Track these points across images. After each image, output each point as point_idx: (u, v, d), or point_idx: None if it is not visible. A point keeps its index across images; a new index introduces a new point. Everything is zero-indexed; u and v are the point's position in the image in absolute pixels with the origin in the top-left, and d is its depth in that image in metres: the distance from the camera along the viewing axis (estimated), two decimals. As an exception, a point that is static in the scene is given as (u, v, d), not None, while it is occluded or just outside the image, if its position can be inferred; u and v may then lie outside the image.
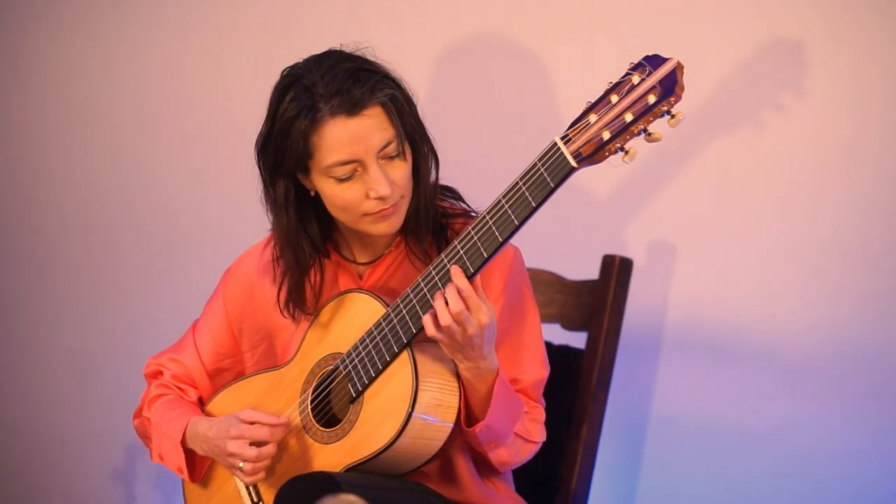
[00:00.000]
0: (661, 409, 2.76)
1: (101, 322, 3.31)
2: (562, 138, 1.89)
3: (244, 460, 2.09)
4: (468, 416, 2.10)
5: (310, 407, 2.15)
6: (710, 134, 2.65)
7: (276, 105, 2.08)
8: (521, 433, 2.15)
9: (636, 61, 1.86)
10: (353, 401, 2.10)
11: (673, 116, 1.85)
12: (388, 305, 2.09)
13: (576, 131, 1.88)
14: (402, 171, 2.08)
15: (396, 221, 2.11)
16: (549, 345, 2.30)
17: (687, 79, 1.85)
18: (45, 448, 3.41)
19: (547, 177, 1.90)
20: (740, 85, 2.60)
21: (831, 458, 2.62)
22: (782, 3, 2.60)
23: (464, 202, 2.22)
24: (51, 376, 3.37)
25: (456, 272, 1.97)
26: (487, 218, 1.96)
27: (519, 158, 2.00)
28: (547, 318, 2.52)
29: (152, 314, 3.24)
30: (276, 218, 2.16)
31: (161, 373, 2.33)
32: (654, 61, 1.85)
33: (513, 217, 1.94)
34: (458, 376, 2.06)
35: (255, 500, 2.21)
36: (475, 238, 1.97)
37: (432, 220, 2.16)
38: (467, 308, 1.96)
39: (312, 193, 2.14)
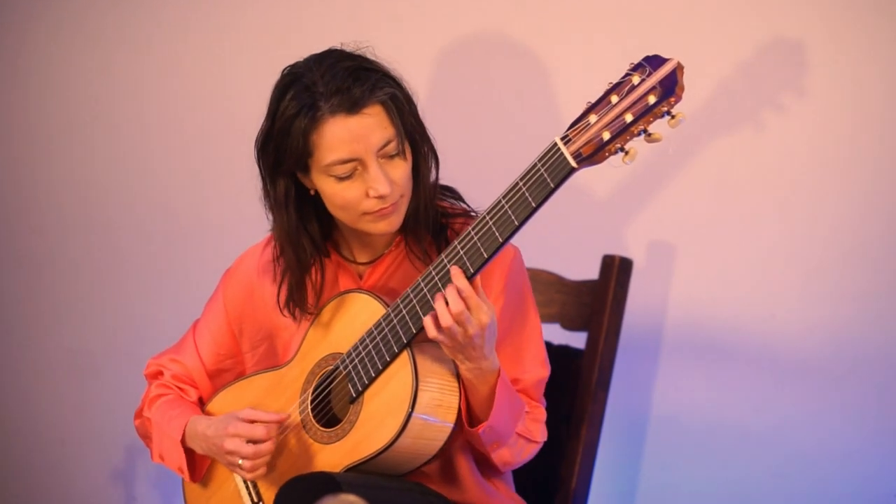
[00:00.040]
0: (661, 409, 2.76)
1: (101, 322, 3.31)
2: (562, 139, 1.89)
3: (242, 457, 2.09)
4: (470, 416, 2.10)
5: (310, 407, 2.15)
6: (710, 134, 2.65)
7: (277, 103, 2.09)
8: (522, 433, 2.15)
9: (636, 62, 1.86)
10: (353, 401, 2.10)
11: (673, 117, 1.84)
12: (388, 306, 2.09)
13: (576, 132, 1.88)
14: (401, 170, 2.08)
15: (396, 221, 2.11)
16: (549, 345, 2.30)
17: (687, 79, 1.85)
18: (45, 448, 3.41)
19: (547, 177, 1.90)
20: (740, 85, 2.60)
21: (831, 458, 2.62)
22: (782, 3, 2.60)
23: (464, 202, 2.22)
24: (51, 376, 3.37)
25: (456, 273, 1.97)
26: (487, 218, 1.96)
27: (519, 158, 2.00)
28: (547, 318, 2.52)
29: (152, 314, 3.24)
30: (276, 217, 2.17)
31: (161, 373, 2.34)
32: (654, 62, 1.85)
33: (513, 217, 1.94)
34: (458, 376, 2.06)
35: (255, 499, 2.21)
36: (475, 238, 1.97)
37: (432, 219, 2.16)
38: (468, 308, 1.96)
39: (312, 192, 2.14)
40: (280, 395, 2.21)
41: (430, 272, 2.02)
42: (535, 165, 1.92)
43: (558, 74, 2.79)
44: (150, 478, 3.28)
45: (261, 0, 3.08)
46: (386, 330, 2.06)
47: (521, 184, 1.93)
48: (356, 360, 2.10)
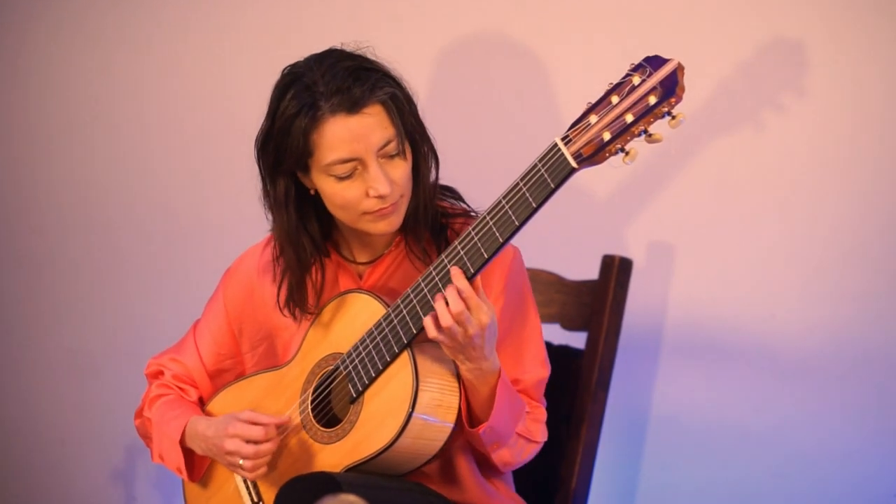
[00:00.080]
0: (661, 409, 2.76)
1: (101, 322, 3.31)
2: (562, 139, 1.89)
3: (243, 458, 2.09)
4: (470, 417, 2.10)
5: (310, 407, 2.15)
6: (710, 134, 2.65)
7: (277, 103, 2.09)
8: (523, 433, 2.15)
9: (637, 62, 1.86)
10: (353, 401, 2.10)
11: (674, 117, 1.85)
12: (388, 306, 2.09)
13: (576, 132, 1.88)
14: (401, 170, 2.08)
15: (396, 220, 2.11)
16: (549, 345, 2.30)
17: (687, 79, 1.85)
18: (45, 448, 3.41)
19: (547, 177, 1.90)
20: (740, 85, 2.60)
21: (831, 458, 2.62)
22: (782, 3, 2.60)
23: (464, 202, 2.22)
24: (51, 376, 3.37)
25: (456, 273, 1.97)
26: (488, 218, 1.96)
27: (519, 158, 2.00)
28: (547, 318, 2.52)
29: (152, 314, 3.24)
30: (276, 216, 2.17)
31: (162, 373, 2.34)
32: (654, 62, 1.85)
33: (513, 217, 1.94)
34: (458, 377, 2.06)
35: (256, 500, 2.21)
36: (475, 238, 1.97)
37: (432, 219, 2.16)
38: (468, 308, 1.96)
39: (312, 192, 2.14)
40: (280, 395, 2.21)
41: (431, 272, 2.02)
42: (535, 166, 1.92)
43: (558, 74, 2.79)
44: (150, 478, 3.28)
45: (261, 0, 3.08)
46: (386, 330, 2.06)
47: (521, 184, 1.93)
48: (356, 361, 2.10)
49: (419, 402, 2.02)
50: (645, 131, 1.86)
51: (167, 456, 2.27)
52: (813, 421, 2.63)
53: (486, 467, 2.19)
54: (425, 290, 2.02)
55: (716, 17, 2.65)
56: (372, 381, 2.07)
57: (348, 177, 2.07)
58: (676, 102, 1.84)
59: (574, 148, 1.88)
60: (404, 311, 2.04)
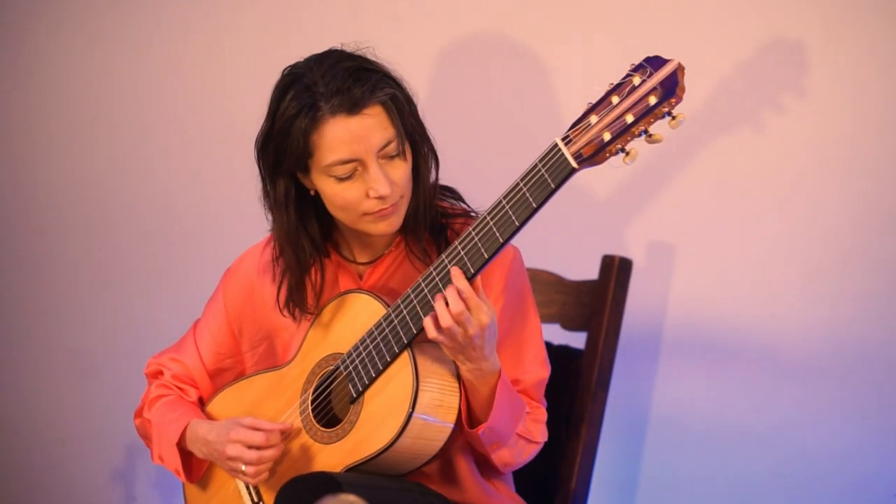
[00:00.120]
0: (661, 409, 2.76)
1: (101, 322, 3.31)
2: (563, 139, 1.89)
3: (246, 463, 2.09)
4: (470, 417, 2.10)
5: (310, 407, 2.15)
6: (710, 134, 2.65)
7: (277, 104, 2.09)
8: (523, 434, 2.15)
9: (637, 62, 1.86)
10: (353, 401, 2.10)
11: (674, 118, 1.85)
12: (388, 306, 2.09)
13: (577, 132, 1.88)
14: (401, 170, 2.08)
15: (396, 221, 2.11)
16: (548, 345, 2.30)
17: (687, 79, 1.85)
18: (45, 448, 3.41)
19: (548, 178, 1.90)
20: (740, 85, 2.60)
21: (831, 457, 2.62)
22: (782, 3, 2.60)
23: (464, 202, 2.22)
24: (51, 376, 3.38)
25: (456, 273, 1.97)
26: (488, 218, 1.96)
27: (519, 159, 2.00)
28: (547, 319, 2.52)
29: (152, 314, 3.24)
30: (275, 217, 2.17)
31: (162, 373, 2.34)
32: (654, 63, 1.85)
33: (513, 218, 1.94)
34: (458, 377, 2.06)
35: (256, 500, 2.21)
36: (476, 238, 1.97)
37: (432, 220, 2.16)
38: (468, 309, 1.96)
39: (312, 193, 2.14)
40: (280, 395, 2.21)
41: (431, 272, 2.02)
42: (535, 166, 1.92)
43: (558, 74, 2.79)
44: (150, 478, 3.28)
45: (261, 0, 3.08)
46: (386, 330, 2.06)
47: (521, 184, 1.93)
48: (357, 361, 2.10)
49: (419, 402, 2.02)
50: (645, 131, 1.86)
51: (167, 457, 2.27)
52: (813, 421, 2.63)
53: (486, 468, 2.19)
54: (425, 290, 2.02)
55: (716, 17, 2.65)
56: (372, 381, 2.07)
57: (348, 178, 2.07)
58: (677, 103, 1.84)
59: (574, 148, 1.88)
60: (404, 312, 2.04)
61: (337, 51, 2.11)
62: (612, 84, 1.87)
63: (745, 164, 2.65)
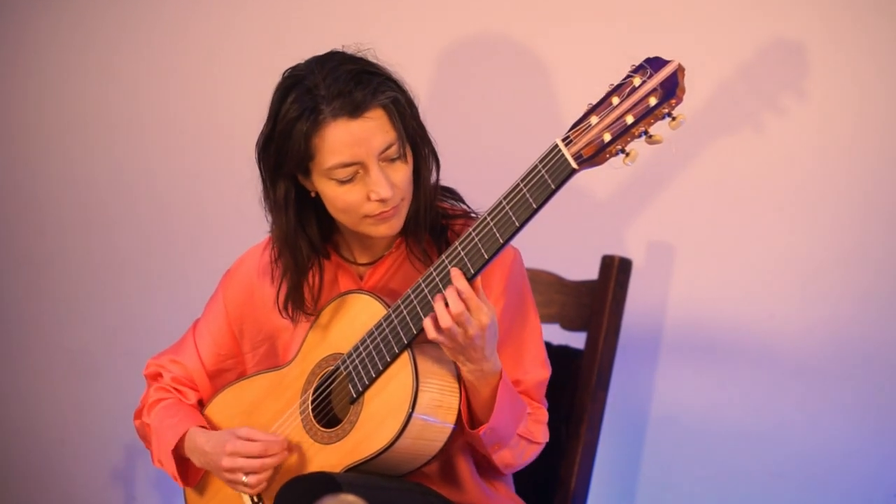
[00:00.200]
0: (661, 409, 2.76)
1: (101, 322, 3.31)
2: (563, 140, 1.89)
3: (247, 472, 2.10)
4: (472, 418, 2.10)
5: (310, 407, 2.15)
6: (710, 135, 2.65)
7: (278, 106, 2.08)
8: (524, 434, 2.15)
9: (637, 63, 1.86)
10: (353, 401, 2.10)
11: (674, 118, 1.85)
12: (388, 306, 2.09)
13: (577, 133, 1.88)
14: (403, 173, 2.08)
15: (397, 223, 2.11)
16: (548, 345, 2.30)
17: (687, 80, 1.85)
18: (45, 448, 3.41)
19: (548, 178, 1.90)
20: (740, 86, 2.60)
21: (831, 458, 2.62)
22: (782, 3, 2.60)
23: (464, 203, 2.22)
24: (51, 376, 3.38)
25: (456, 274, 1.97)
26: (488, 219, 1.96)
27: (519, 159, 2.00)
28: (546, 319, 2.52)
29: (152, 314, 3.24)
30: (275, 219, 2.16)
31: (161, 375, 2.33)
32: (655, 63, 1.85)
33: (513, 218, 1.94)
34: (458, 377, 2.06)
35: (256, 500, 2.21)
36: (476, 239, 1.97)
37: (432, 221, 2.16)
38: (468, 309, 1.96)
39: (313, 195, 2.14)
40: (280, 395, 2.21)
41: (431, 273, 2.02)
42: (535, 166, 1.92)
43: (558, 75, 2.79)
44: (150, 478, 3.28)
45: (261, 0, 3.08)
46: (387, 331, 2.06)
47: (521, 185, 1.93)
48: (357, 361, 2.10)
49: (419, 402, 2.02)
50: (645, 132, 1.86)
51: (166, 462, 2.27)
52: (813, 421, 2.63)
53: (486, 469, 2.19)
54: (426, 290, 2.02)
55: (716, 18, 2.65)
56: (372, 381, 2.07)
57: (349, 180, 2.07)
58: (677, 104, 1.84)
59: (574, 149, 1.88)
60: (405, 312, 2.04)
61: (338, 53, 2.10)
62: (612, 85, 1.87)
63: (745, 164, 2.65)
